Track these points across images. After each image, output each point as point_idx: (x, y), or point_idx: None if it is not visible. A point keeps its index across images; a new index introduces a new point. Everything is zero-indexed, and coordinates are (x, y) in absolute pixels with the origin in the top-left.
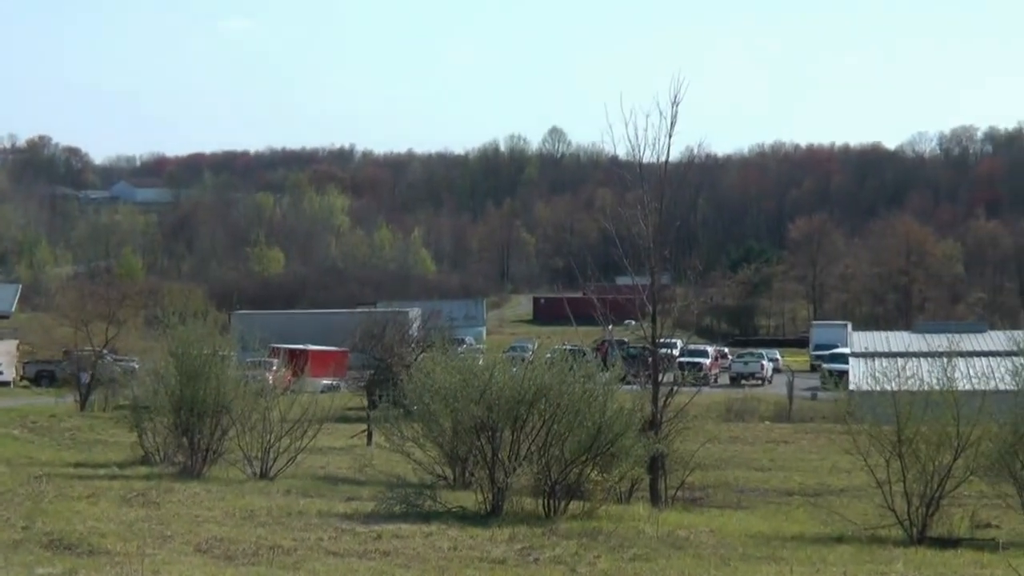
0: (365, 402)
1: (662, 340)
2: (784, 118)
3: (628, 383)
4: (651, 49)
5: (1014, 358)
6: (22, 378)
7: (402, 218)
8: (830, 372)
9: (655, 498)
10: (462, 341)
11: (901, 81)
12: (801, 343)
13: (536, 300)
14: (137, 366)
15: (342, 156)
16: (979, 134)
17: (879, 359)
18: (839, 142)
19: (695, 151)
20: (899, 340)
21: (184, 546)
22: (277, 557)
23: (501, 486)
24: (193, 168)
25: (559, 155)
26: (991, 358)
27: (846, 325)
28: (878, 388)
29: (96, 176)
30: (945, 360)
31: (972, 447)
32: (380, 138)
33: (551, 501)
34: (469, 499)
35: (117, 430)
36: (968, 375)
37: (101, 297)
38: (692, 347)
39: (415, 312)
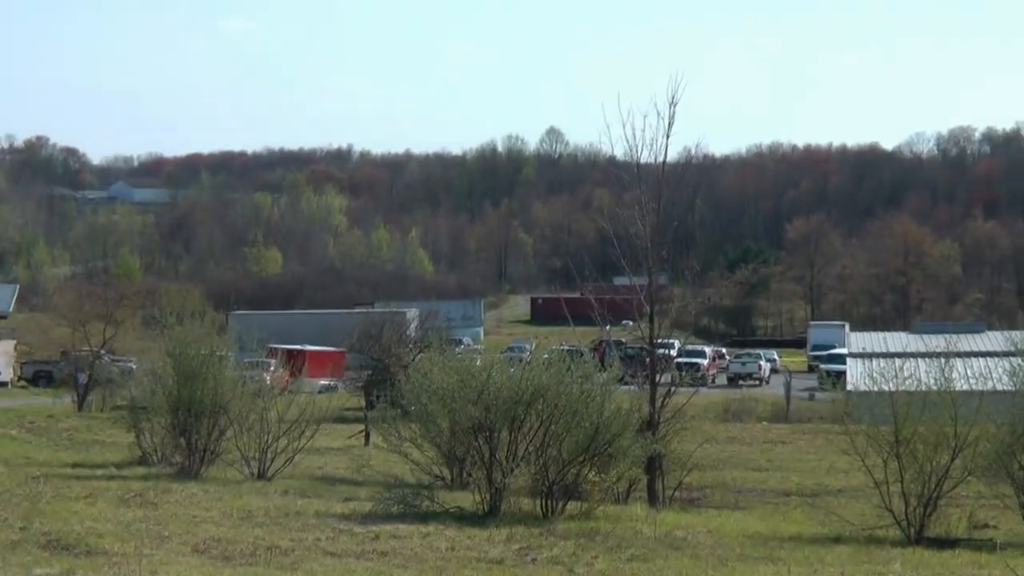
0: (363, 402)
1: (660, 340)
2: (782, 118)
3: (626, 383)
4: (649, 49)
5: (1012, 358)
6: (20, 378)
7: (400, 218)
8: (828, 372)
9: (653, 498)
10: (460, 341)
11: (899, 81)
12: (799, 343)
13: (534, 300)
14: (135, 366)
15: (340, 156)
16: (977, 135)
17: (877, 359)
18: (837, 142)
19: (693, 151)
20: (897, 341)
21: (182, 546)
22: (275, 557)
23: (499, 486)
24: (191, 168)
25: (557, 155)
26: (989, 358)
27: (844, 326)
28: (876, 388)
29: (94, 176)
30: (943, 360)
31: (970, 447)
32: (378, 138)
33: (549, 501)
34: (467, 499)
35: (115, 430)
36: (966, 376)
37: (99, 297)
38: (690, 347)
39: (413, 312)
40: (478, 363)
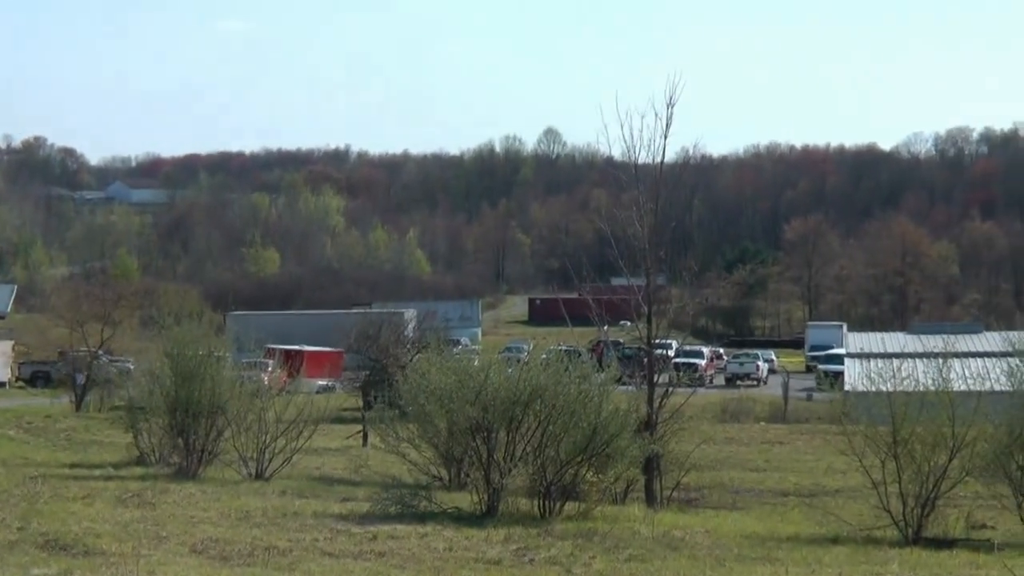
0: (360, 403)
1: (657, 341)
2: (779, 119)
3: (624, 384)
4: (647, 50)
5: (1009, 359)
6: (17, 379)
7: (397, 219)
8: (825, 373)
9: (650, 499)
10: (457, 342)
11: (897, 82)
12: (796, 344)
13: (531, 301)
14: (132, 367)
15: (337, 157)
16: (974, 135)
17: (874, 360)
18: (834, 143)
19: (690, 152)
20: (894, 341)
21: (179, 547)
22: (272, 558)
23: (496, 487)
24: (189, 169)
25: (554, 156)
26: (986, 359)
27: (841, 326)
28: (873, 389)
29: (91, 177)
30: (940, 361)
31: (967, 448)
32: (375, 139)
33: (546, 502)
34: (464, 500)
35: (112, 431)
36: (963, 376)
37: (96, 298)
38: (688, 348)
39: (410, 313)
40: (476, 363)
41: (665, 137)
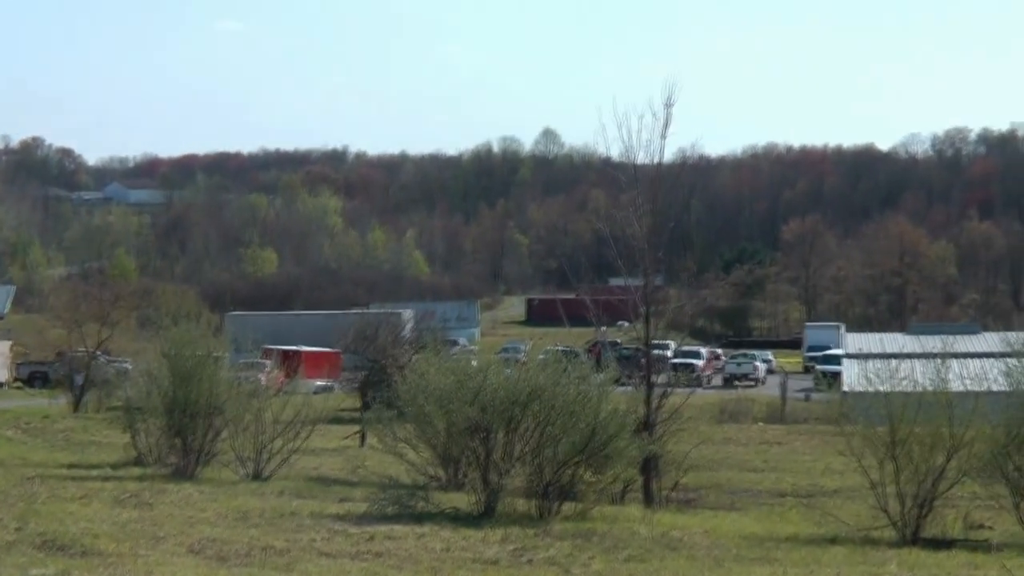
0: (358, 403)
1: (655, 341)
2: (777, 119)
3: (622, 384)
4: (645, 51)
5: (1007, 359)
6: (15, 379)
7: (395, 219)
8: (823, 373)
9: (649, 499)
10: (455, 342)
11: (894, 82)
12: (794, 344)
13: (529, 301)
14: (130, 367)
15: (335, 157)
16: (972, 135)
17: (872, 360)
18: (832, 143)
19: (688, 152)
20: (892, 341)
21: (177, 547)
22: (270, 558)
23: (494, 487)
24: (186, 169)
25: (552, 156)
26: (984, 359)
27: (839, 326)
28: (871, 389)
29: (89, 177)
30: (938, 361)
31: (965, 448)
32: (373, 139)
33: (544, 502)
34: (462, 500)
35: (110, 431)
36: (961, 376)
37: (94, 298)
38: (685, 348)
39: (408, 313)
40: (474, 364)
41: (663, 137)
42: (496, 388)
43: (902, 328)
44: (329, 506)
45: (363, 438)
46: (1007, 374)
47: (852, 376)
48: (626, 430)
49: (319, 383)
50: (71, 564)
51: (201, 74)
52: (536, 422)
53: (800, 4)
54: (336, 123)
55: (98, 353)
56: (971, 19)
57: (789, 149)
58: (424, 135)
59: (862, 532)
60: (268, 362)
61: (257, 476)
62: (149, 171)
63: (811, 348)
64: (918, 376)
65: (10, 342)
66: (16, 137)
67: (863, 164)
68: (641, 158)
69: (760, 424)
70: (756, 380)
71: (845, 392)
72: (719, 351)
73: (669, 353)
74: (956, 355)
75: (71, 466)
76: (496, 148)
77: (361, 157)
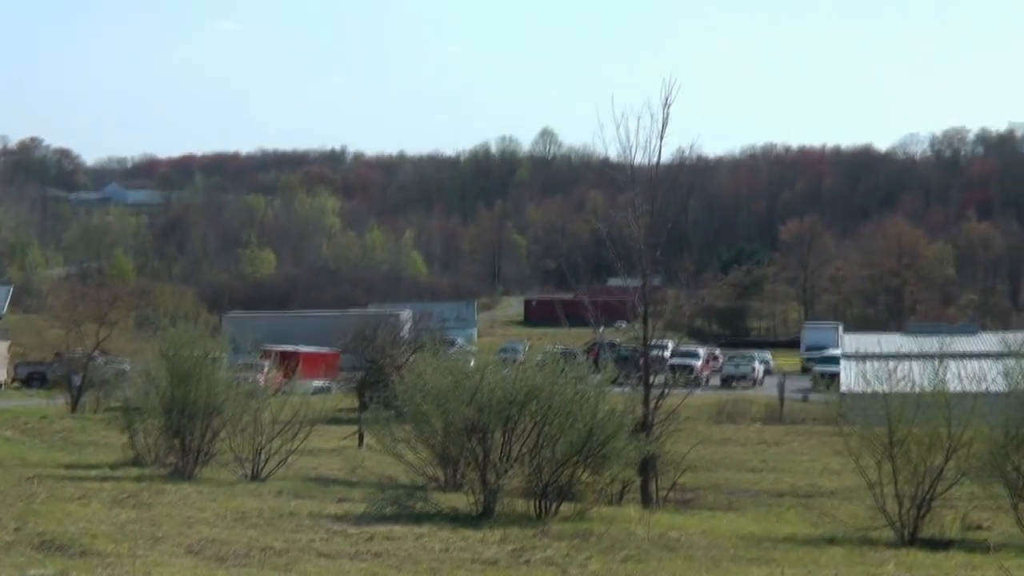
0: (356, 403)
1: (653, 342)
2: (775, 120)
3: (620, 385)
4: (643, 51)
5: (1005, 360)
6: (13, 380)
7: (393, 220)
8: (821, 374)
9: (646, 499)
10: (453, 343)
11: (893, 83)
12: (792, 345)
13: (527, 302)
14: (128, 368)
15: (333, 158)
16: (970, 136)
17: (870, 361)
18: (830, 144)
19: (686, 153)
20: (890, 342)
21: (175, 547)
22: (268, 558)
23: (492, 488)
24: (184, 170)
25: (550, 157)
26: (982, 360)
27: (837, 327)
28: (869, 390)
29: (87, 178)
30: (936, 362)
31: (963, 449)
32: (371, 140)
33: (542, 503)
34: (460, 500)
35: (108, 432)
36: (959, 377)
37: (92, 299)
38: (683, 349)
39: (406, 314)
40: (472, 364)
41: (661, 138)
42: (493, 388)
43: (900, 328)
44: (328, 506)
45: (361, 438)
46: (1005, 374)
47: (850, 376)
48: (624, 430)
49: (317, 383)
50: (69, 564)
51: (199, 74)
52: (534, 422)
53: (799, 4)
54: (334, 123)
55: (96, 353)
56: (969, 19)
57: (787, 149)
58: (422, 135)
59: (860, 532)
60: (266, 363)
61: (255, 476)
62: (147, 171)
63: (809, 348)
64: (916, 376)
65: (8, 342)
66: (14, 137)
67: (861, 164)
68: (639, 158)
69: (758, 424)
70: (754, 381)
71: (843, 392)
72: (717, 351)
73: (667, 353)
74: (954, 355)
75: (69, 466)
76: (494, 148)
77: (359, 157)
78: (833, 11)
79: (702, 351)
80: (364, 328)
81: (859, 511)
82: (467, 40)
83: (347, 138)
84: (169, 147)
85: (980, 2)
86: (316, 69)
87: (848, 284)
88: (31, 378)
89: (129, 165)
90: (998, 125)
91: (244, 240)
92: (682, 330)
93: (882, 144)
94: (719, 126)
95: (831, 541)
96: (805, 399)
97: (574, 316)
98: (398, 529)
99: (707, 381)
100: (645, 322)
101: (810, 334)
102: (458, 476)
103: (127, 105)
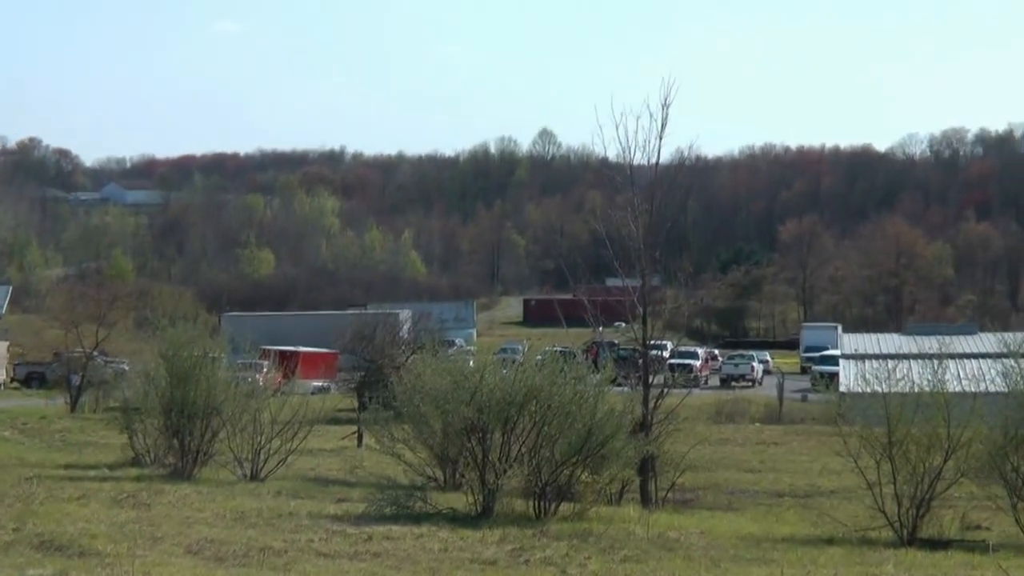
0: (355, 404)
1: (653, 342)
2: (774, 120)
3: (619, 385)
4: (642, 51)
5: (1004, 360)
6: (12, 380)
7: (392, 220)
8: (820, 374)
9: (645, 499)
10: (452, 343)
11: (892, 83)
12: (791, 345)
13: (526, 302)
14: (127, 368)
15: (332, 158)
16: (970, 136)
17: (869, 361)
18: (829, 144)
19: (685, 153)
20: (889, 342)
21: (175, 547)
22: (268, 558)
23: (492, 488)
24: (183, 170)
25: (549, 157)
26: (981, 360)
27: (836, 327)
28: (868, 390)
29: (86, 178)
30: (935, 362)
31: (962, 449)
32: (370, 140)
33: (542, 503)
34: (460, 501)
35: (107, 432)
36: (958, 377)
37: (91, 299)
38: (683, 349)
39: (405, 314)
40: (471, 364)
41: (660, 138)
42: (492, 388)
43: (899, 329)
44: (327, 506)
45: (360, 439)
46: (1004, 375)
47: (849, 377)
48: (623, 430)
49: (316, 384)
50: (69, 565)
51: (198, 75)
52: (533, 423)
53: (798, 4)
54: (333, 124)
55: (95, 354)
56: (969, 19)
57: (786, 150)
58: (421, 135)
59: (859, 532)
60: (265, 363)
61: (255, 477)
62: (146, 172)
63: (808, 349)
64: (915, 377)
65: (7, 343)
66: (13, 138)
67: (860, 165)
68: (638, 159)
69: (757, 425)
70: (753, 381)
71: (842, 393)
72: (716, 352)
73: (666, 354)
74: (953, 356)
75: (68, 467)
76: (493, 149)
77: (358, 158)
78: (832, 11)
79: (701, 351)
80: (363, 328)
81: (858, 511)
82: (466, 40)
83: (346, 138)
84: (168, 147)
85: (980, 2)
86: (315, 69)
87: (847, 284)
88: (30, 378)
89: (128, 165)
90: (997, 125)
91: (243, 240)
92: (681, 330)
93: (881, 144)
94: (718, 126)
95: (830, 541)
96: (804, 399)
97: (573, 316)
98: (397, 529)
99: (706, 381)
100: (644, 322)
101: (809, 334)
102: (457, 476)
103: (126, 105)
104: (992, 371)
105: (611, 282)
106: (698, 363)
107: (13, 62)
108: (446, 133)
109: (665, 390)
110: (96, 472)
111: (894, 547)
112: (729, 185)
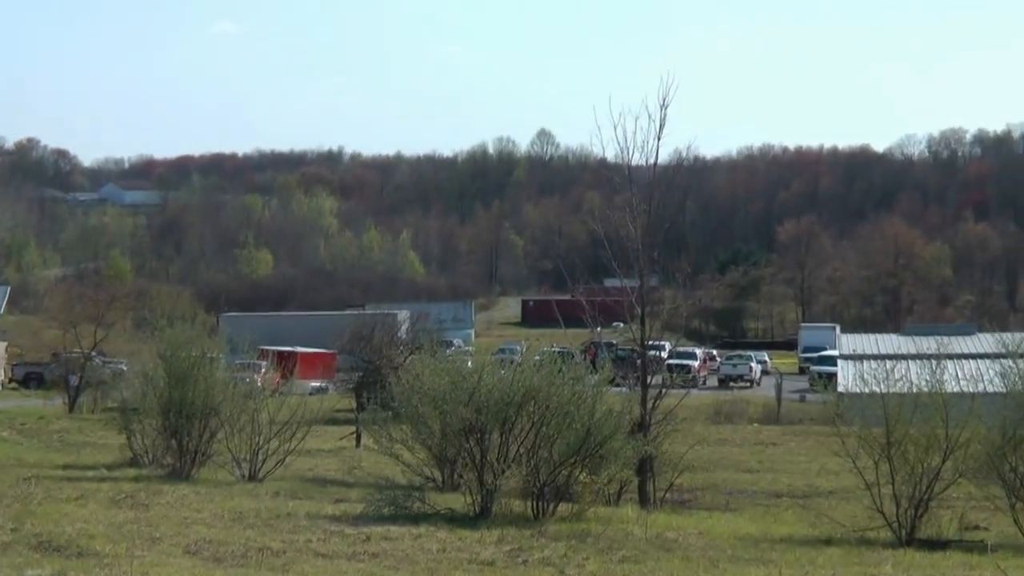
0: (353, 404)
1: (651, 342)
2: (773, 120)
3: (617, 385)
4: (640, 52)
5: (1003, 360)
6: (10, 380)
7: (391, 220)
8: (819, 374)
9: (644, 500)
10: (450, 343)
11: (890, 83)
12: (790, 345)
13: (524, 302)
14: (125, 368)
15: (330, 158)
16: (968, 136)
17: (868, 361)
18: (828, 144)
19: (684, 153)
20: (888, 342)
21: (173, 548)
22: (266, 559)
23: (490, 488)
24: (182, 170)
25: (548, 157)
26: (980, 360)
27: (834, 327)
28: (867, 390)
29: (84, 178)
30: (934, 362)
31: (961, 449)
32: (368, 140)
33: (540, 503)
34: (458, 501)
35: (106, 432)
36: (957, 377)
37: (89, 299)
38: (681, 349)
39: (403, 314)
40: (469, 365)
41: (658, 139)
42: (491, 389)
43: (897, 329)
44: (325, 507)
45: (359, 439)
46: (1002, 375)
47: (847, 377)
48: (621, 431)
49: (314, 384)
50: (67, 565)
51: (197, 75)
52: (531, 423)
53: (797, 4)
54: (331, 124)
55: (93, 354)
56: (968, 20)
57: (784, 150)
58: (419, 136)
59: (857, 533)
60: (263, 363)
61: (253, 477)
62: (144, 172)
63: (806, 349)
64: (913, 377)
65: (5, 343)
66: (12, 138)
67: (858, 165)
68: (636, 159)
69: (755, 425)
70: (751, 381)
71: (840, 393)
72: (714, 352)
73: (664, 354)
74: (951, 356)
75: (67, 467)
76: (491, 149)
77: (356, 158)
78: (831, 11)
79: (699, 352)
80: (361, 329)
81: (856, 511)
82: (465, 40)
83: (344, 139)
84: (166, 148)
85: (979, 2)
86: (314, 69)
87: (845, 285)
88: (28, 378)
89: (126, 166)
90: (995, 126)
91: (241, 240)
92: (679, 331)
93: (879, 145)
94: (716, 126)
95: (828, 542)
96: (802, 399)
97: (571, 317)
98: (395, 530)
99: (704, 382)
100: (642, 323)
101: (807, 335)
102: (455, 477)
103: (125, 106)
104: (990, 371)
105: (609, 282)
106: (696, 363)
107: (12, 62)
108: (444, 133)
109: (663, 390)
110: (94, 472)
111: (892, 547)
112: (727, 185)
